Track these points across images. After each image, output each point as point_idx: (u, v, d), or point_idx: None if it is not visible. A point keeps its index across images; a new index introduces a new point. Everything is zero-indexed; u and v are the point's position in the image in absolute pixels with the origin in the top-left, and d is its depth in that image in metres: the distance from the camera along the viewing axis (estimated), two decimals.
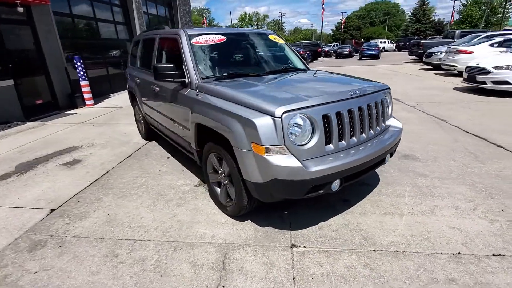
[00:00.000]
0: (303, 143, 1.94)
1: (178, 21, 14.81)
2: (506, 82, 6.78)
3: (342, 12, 43.37)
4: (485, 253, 1.98)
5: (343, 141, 2.10)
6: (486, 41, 10.55)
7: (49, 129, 5.58)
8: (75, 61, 7.08)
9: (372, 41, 35.57)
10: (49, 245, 2.23)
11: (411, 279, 1.80)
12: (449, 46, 11.39)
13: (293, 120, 1.88)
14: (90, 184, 3.23)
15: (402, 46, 33.08)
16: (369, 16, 69.33)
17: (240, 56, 3.22)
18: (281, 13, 55.09)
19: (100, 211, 2.68)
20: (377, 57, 23.04)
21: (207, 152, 2.56)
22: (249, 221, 2.44)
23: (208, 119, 2.29)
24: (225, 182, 2.45)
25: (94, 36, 9.14)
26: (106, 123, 5.89)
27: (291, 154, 1.89)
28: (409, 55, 19.45)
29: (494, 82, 6.98)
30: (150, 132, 4.50)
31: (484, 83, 7.18)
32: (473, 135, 4.37)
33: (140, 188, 3.09)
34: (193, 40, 2.87)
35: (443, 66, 11.54)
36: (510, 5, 48.25)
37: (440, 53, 12.56)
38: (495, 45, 10.10)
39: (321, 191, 2.01)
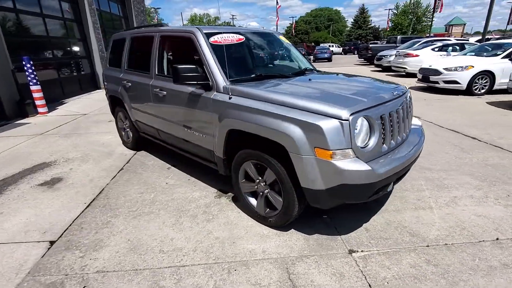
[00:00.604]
0: (364, 144, 1.90)
1: (133, 19, 13.75)
2: (456, 82, 7.76)
3: (293, 17, 45.24)
4: None
5: (392, 141, 2.12)
6: (428, 46, 11.98)
7: (3, 143, 4.63)
8: (24, 63, 6.03)
9: (322, 44, 37.76)
10: (69, 287, 1.81)
11: (473, 269, 1.88)
12: (397, 50, 12.65)
13: (357, 122, 1.83)
14: (87, 206, 2.74)
15: (348, 50, 35.78)
16: (315, 21, 73.53)
17: (260, 57, 3.06)
18: (233, 15, 54.90)
19: (116, 237, 2.28)
20: (329, 59, 24.52)
21: (241, 160, 2.36)
22: (292, 230, 2.32)
23: (251, 124, 2.10)
24: (266, 191, 2.29)
25: (41, 34, 7.92)
26: (74, 133, 5.12)
27: (356, 157, 1.84)
28: (359, 58, 21.19)
29: (446, 82, 7.93)
30: (139, 141, 4.05)
31: (437, 82, 8.11)
32: (448, 129, 4.87)
33: (153, 205, 2.73)
34: (211, 40, 2.63)
35: (393, 68, 12.76)
36: (430, 15, 55.65)
37: (389, 56, 13.88)
38: (436, 49, 11.53)
39: (381, 193, 2.00)
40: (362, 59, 20.72)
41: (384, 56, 14.22)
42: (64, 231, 2.37)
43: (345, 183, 1.82)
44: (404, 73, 11.97)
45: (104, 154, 4.08)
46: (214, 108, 2.42)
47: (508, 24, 19.32)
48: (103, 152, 4.18)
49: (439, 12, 23.85)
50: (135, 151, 4.15)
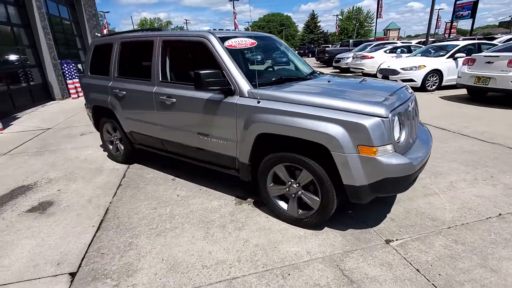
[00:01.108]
0: (397, 139, 2.04)
1: (85, 24, 12.68)
2: (412, 80, 8.65)
3: (248, 22, 45.92)
4: None
5: (411, 136, 2.31)
6: (380, 49, 13.15)
7: None
8: None
9: None
10: None
11: (493, 243, 2.13)
12: (355, 53, 13.67)
13: (394, 119, 1.96)
14: (98, 229, 2.47)
15: (303, 53, 37.47)
16: (268, 26, 75.66)
17: (271, 60, 3.08)
18: (186, 20, 53.85)
19: (148, 259, 2.09)
20: (287, 63, 25.40)
21: (270, 165, 2.35)
22: (326, 228, 2.37)
23: (287, 127, 2.11)
24: (299, 192, 2.31)
25: None
26: (45, 151, 4.55)
27: (395, 151, 1.97)
28: (317, 60, 22.36)
29: (403, 80, 8.77)
30: (132, 154, 3.76)
31: (396, 81, 8.95)
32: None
33: (173, 220, 2.56)
34: (226, 44, 2.58)
35: (351, 69, 13.74)
36: (372, 21, 61.01)
37: (347, 58, 14.93)
38: (387, 51, 12.71)
39: (413, 183, 2.16)
40: (319, 62, 21.94)
41: (342, 58, 15.24)
42: (82, 260, 2.11)
43: (388, 177, 1.93)
44: (361, 73, 12.96)
45: (92, 171, 3.71)
46: (240, 113, 2.37)
47: (436, 28, 22.19)
48: (89, 168, 3.79)
49: (381, 18, 26.40)
50: (127, 165, 3.84)
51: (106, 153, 4.31)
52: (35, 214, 2.75)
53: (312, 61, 26.75)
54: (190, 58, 3.51)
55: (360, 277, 1.86)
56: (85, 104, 4.17)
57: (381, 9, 25.09)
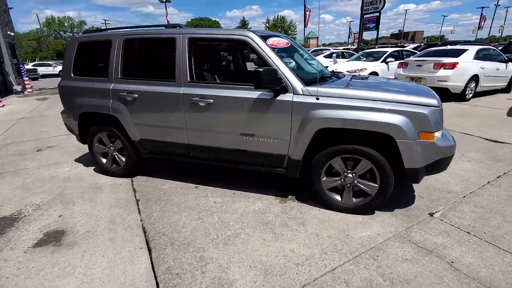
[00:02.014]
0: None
1: None
2: None
3: (177, 25, 44.08)
4: (495, 176, 3.20)
5: None
6: (320, 54, 14.51)
7: None
8: None
9: None
10: None
11: (503, 203, 2.68)
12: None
13: (441, 108, 2.31)
14: (150, 249, 2.15)
15: None
16: None
17: (299, 59, 3.15)
18: (105, 20, 48.46)
19: (233, 269, 1.94)
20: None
21: (326, 158, 2.46)
22: (377, 212, 2.59)
23: (353, 120, 2.25)
24: (356, 181, 2.48)
25: None
26: (11, 173, 3.60)
27: (443, 135, 2.32)
28: None
29: None
30: (137, 165, 3.33)
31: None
32: None
33: (230, 227, 2.41)
34: (269, 43, 2.57)
35: None
36: (295, 29, 66.20)
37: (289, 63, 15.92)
38: (326, 56, 14.12)
39: None
40: None
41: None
42: (158, 285, 1.82)
43: (442, 158, 2.27)
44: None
45: (88, 189, 3.14)
46: (297, 111, 2.41)
47: (348, 38, 25.63)
48: (82, 187, 3.20)
49: (307, 26, 29.07)
50: (128, 179, 3.38)
51: (91, 168, 3.69)
52: (50, 247, 2.21)
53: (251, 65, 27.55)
54: (225, 57, 3.35)
55: (433, 246, 2.13)
56: (63, 112, 3.49)
57: (308, 19, 27.65)
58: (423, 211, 2.59)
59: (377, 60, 10.50)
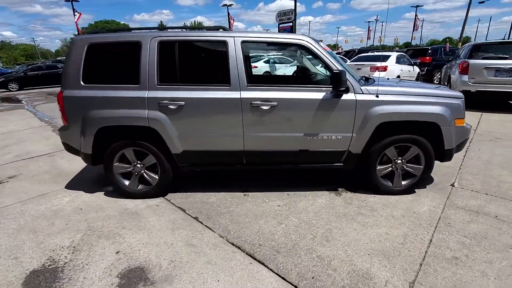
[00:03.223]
0: None
1: None
2: None
3: (84, 28, 38.92)
4: (465, 150, 4.14)
5: None
6: (261, 59, 15.13)
7: None
8: None
9: None
10: None
11: (486, 165, 3.52)
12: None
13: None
14: (263, 263, 2.02)
15: None
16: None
17: None
18: None
19: (358, 258, 2.02)
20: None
21: (383, 148, 2.78)
22: (416, 191, 3.04)
23: (408, 113, 2.63)
24: (405, 166, 2.87)
25: None
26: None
27: None
28: None
29: None
30: (172, 181, 2.97)
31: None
32: None
33: (317, 225, 2.46)
34: (323, 46, 2.73)
35: None
36: None
37: None
38: (264, 62, 14.85)
39: None
40: None
41: None
42: None
43: (466, 138, 2.87)
44: None
45: (122, 217, 2.64)
46: (360, 108, 2.64)
47: None
48: (112, 216, 2.66)
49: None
50: (159, 198, 2.97)
51: (99, 194, 3.08)
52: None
53: None
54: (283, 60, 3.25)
55: (476, 208, 2.68)
56: (64, 128, 2.82)
57: (231, 28, 28.40)
58: (445, 184, 3.18)
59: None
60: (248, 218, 2.60)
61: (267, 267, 2.00)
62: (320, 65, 2.81)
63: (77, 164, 4.00)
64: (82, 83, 2.69)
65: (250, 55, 2.80)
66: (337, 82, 2.49)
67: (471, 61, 6.94)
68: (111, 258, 2.12)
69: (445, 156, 2.86)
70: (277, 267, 2.00)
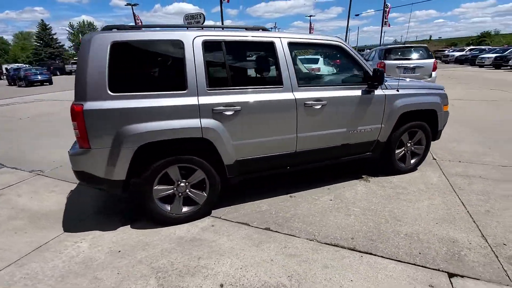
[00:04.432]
0: None
1: None
2: None
3: None
4: None
5: None
6: (319, 61, 14.36)
7: None
8: None
9: (22, 65, 28.56)
10: None
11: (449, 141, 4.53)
12: None
13: None
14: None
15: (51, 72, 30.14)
16: None
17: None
18: None
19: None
20: (50, 82, 19.82)
21: (401, 135, 3.25)
22: (419, 168, 3.66)
23: (419, 103, 3.18)
24: (413, 148, 3.44)
25: None
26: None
27: None
28: None
29: None
30: (219, 194, 2.67)
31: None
32: None
33: (382, 210, 2.69)
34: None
35: None
36: None
37: None
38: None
39: None
40: None
41: None
42: None
43: (446, 121, 3.64)
44: None
45: (186, 249, 2.22)
46: (388, 102, 3.01)
47: None
48: (169, 250, 2.20)
49: None
50: (204, 218, 2.63)
51: (124, 229, 2.50)
52: None
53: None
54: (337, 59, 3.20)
55: (464, 173, 3.45)
56: (81, 153, 2.15)
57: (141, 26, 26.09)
58: (429, 159, 3.94)
59: None
60: (316, 217, 2.62)
61: (378, 256, 2.10)
62: (352, 64, 3.05)
63: (43, 199, 3.10)
64: (109, 92, 2.13)
65: (295, 56, 2.79)
66: (375, 80, 2.79)
67: (387, 62, 8.61)
68: None
69: (437, 136, 3.56)
70: (385, 253, 2.13)
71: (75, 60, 36.90)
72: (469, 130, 5.22)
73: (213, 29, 2.56)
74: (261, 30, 2.70)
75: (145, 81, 2.30)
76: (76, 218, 2.73)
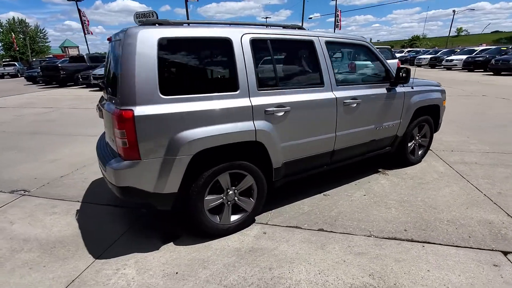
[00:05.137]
0: None
1: None
2: None
3: None
4: None
5: None
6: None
7: None
8: None
9: None
10: None
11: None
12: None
13: None
14: None
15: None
16: None
17: None
18: None
19: None
20: None
21: (413, 129, 3.49)
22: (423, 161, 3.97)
23: (428, 99, 3.43)
24: (420, 141, 3.71)
25: None
26: None
27: None
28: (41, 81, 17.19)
29: None
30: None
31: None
32: None
33: (415, 198, 2.83)
34: None
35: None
36: (45, 36, 53.47)
37: (99, 75, 13.59)
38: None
39: None
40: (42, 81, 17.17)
41: (94, 75, 13.66)
42: None
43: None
44: None
45: (255, 255, 2.07)
46: (406, 98, 3.20)
47: None
48: (231, 265, 2.03)
49: (90, 34, 25.21)
50: (252, 223, 2.49)
51: (171, 247, 2.24)
52: None
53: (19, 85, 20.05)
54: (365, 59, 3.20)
55: (462, 161, 3.84)
56: (129, 165, 1.86)
57: (87, 25, 23.68)
58: (440, 151, 4.28)
59: None
60: (360, 213, 2.66)
61: (437, 244, 2.21)
62: (376, 63, 3.16)
63: (47, 223, 2.65)
64: (160, 95, 1.88)
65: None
66: (401, 78, 2.94)
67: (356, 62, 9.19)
68: None
69: (438, 128, 3.90)
70: (441, 240, 2.25)
71: (6, 61, 32.24)
72: (443, 123, 5.82)
73: (253, 26, 2.43)
74: (297, 28, 2.66)
75: (195, 82, 2.09)
76: (103, 242, 2.36)
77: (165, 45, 1.92)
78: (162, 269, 2.03)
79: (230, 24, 2.38)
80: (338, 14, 26.03)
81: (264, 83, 2.29)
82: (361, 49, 3.10)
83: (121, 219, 2.72)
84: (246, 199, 2.42)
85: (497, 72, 15.98)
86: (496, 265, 1.97)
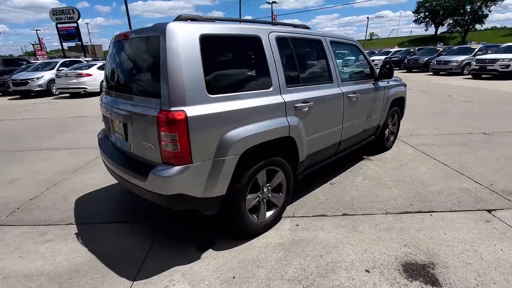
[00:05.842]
0: None
1: None
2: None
3: None
4: None
5: None
6: (94, 66, 11.95)
7: None
8: None
9: None
10: None
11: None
12: (66, 72, 11.31)
13: None
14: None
15: None
16: None
17: None
18: None
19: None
20: None
21: (388, 118, 3.99)
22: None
23: (399, 92, 3.99)
24: (392, 129, 4.26)
25: None
26: None
27: None
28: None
29: None
30: None
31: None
32: None
33: (418, 174, 3.26)
34: None
35: (69, 90, 11.37)
36: None
37: (37, 79, 11.70)
38: (101, 69, 12.04)
39: None
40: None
41: (31, 79, 11.60)
42: None
43: None
44: (83, 92, 11.34)
45: (300, 246, 2.12)
46: (386, 91, 3.65)
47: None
48: (292, 255, 2.05)
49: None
50: (279, 221, 2.55)
51: (211, 254, 2.15)
52: None
53: None
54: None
55: (431, 144, 4.54)
56: (181, 170, 1.71)
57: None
58: (402, 136, 4.91)
59: (52, 69, 12.54)
60: (370, 196, 2.94)
61: (440, 211, 2.62)
62: (363, 61, 3.50)
63: (46, 254, 2.24)
64: (208, 94, 1.79)
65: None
66: (386, 74, 3.35)
67: (349, 59, 9.93)
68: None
69: (402, 116, 4.53)
70: (442, 208, 2.66)
71: None
72: None
73: (271, 25, 2.47)
74: (304, 28, 2.80)
75: (235, 79, 2.03)
76: (131, 262, 2.10)
77: (206, 42, 1.83)
78: (216, 276, 1.94)
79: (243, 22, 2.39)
80: (275, 18, 27.31)
81: (290, 80, 2.36)
82: (352, 48, 3.42)
83: (136, 235, 2.45)
84: (277, 195, 2.46)
85: (409, 69, 19.07)
86: (488, 221, 2.45)
